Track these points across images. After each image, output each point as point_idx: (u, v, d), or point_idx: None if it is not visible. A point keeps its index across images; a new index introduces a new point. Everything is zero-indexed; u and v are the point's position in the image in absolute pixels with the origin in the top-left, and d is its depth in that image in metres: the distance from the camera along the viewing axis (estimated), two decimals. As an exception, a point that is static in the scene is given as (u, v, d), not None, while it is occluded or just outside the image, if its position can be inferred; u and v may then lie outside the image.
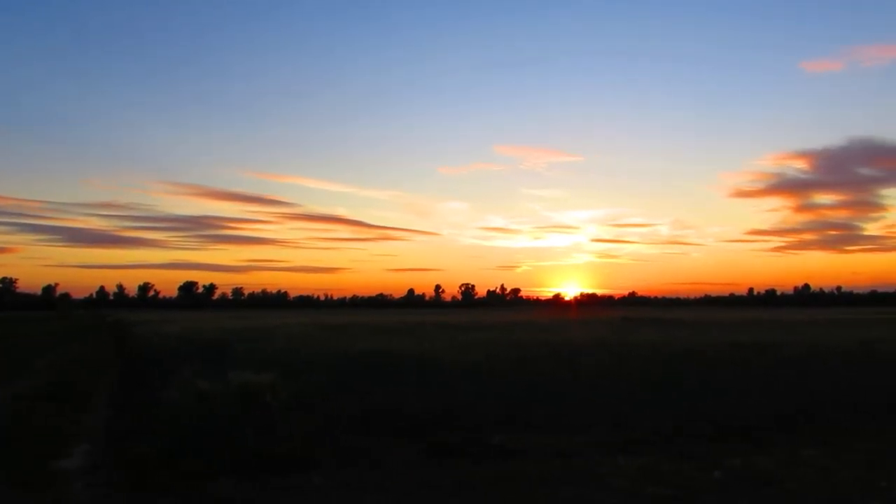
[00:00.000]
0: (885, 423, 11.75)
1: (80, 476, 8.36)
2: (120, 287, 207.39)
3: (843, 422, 11.95)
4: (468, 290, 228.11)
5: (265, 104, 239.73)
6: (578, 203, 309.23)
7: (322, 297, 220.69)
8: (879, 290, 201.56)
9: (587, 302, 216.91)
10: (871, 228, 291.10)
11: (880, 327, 39.86)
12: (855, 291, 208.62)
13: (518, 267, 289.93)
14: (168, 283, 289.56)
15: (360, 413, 12.12)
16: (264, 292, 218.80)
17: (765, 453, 8.94)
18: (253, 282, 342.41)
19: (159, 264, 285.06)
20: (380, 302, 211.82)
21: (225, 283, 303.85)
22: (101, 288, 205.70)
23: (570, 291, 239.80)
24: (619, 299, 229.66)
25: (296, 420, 11.25)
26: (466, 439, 10.45)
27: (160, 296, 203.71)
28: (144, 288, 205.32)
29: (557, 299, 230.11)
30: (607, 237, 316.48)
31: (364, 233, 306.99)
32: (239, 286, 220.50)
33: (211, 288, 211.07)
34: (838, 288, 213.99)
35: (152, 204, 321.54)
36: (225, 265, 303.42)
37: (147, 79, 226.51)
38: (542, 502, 6.81)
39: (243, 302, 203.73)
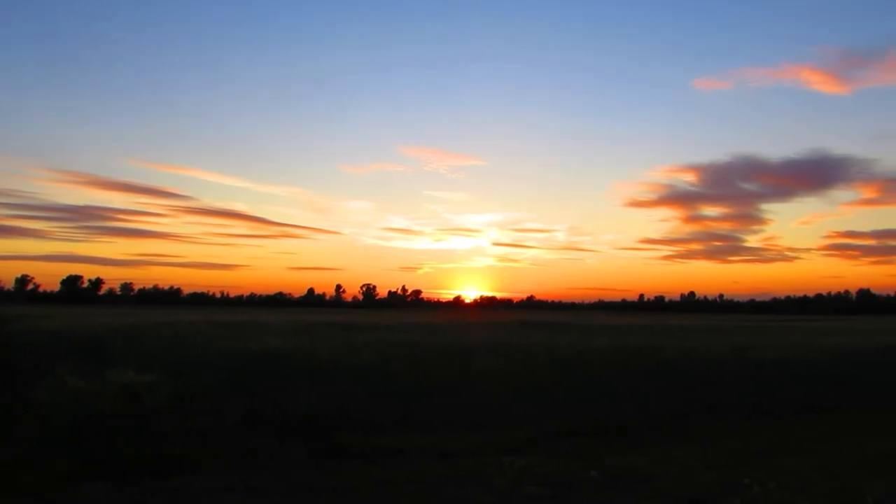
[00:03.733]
0: (751, 422, 12.56)
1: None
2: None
3: (714, 421, 12.70)
4: (369, 290, 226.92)
5: (162, 93, 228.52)
6: (480, 207, 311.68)
7: (218, 295, 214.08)
8: (757, 298, 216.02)
9: (487, 305, 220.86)
10: (752, 240, 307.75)
11: (754, 334, 42.63)
12: (735, 300, 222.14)
13: (420, 268, 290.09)
14: (49, 277, 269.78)
15: (249, 413, 11.83)
16: (156, 288, 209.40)
17: (641, 452, 9.32)
18: (144, 277, 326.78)
19: (39, 256, 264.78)
20: (279, 301, 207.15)
21: (113, 277, 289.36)
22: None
23: (470, 294, 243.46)
24: (517, 303, 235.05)
25: (179, 420, 10.86)
26: (356, 440, 10.41)
27: (40, 289, 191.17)
28: (22, 281, 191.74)
29: (458, 301, 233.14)
30: (507, 241, 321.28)
31: (263, 229, 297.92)
32: (128, 281, 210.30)
33: (97, 282, 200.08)
34: (721, 296, 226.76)
35: (33, 191, 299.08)
36: (113, 259, 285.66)
37: (32, 61, 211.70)
38: (424, 502, 6.85)
39: (132, 298, 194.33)
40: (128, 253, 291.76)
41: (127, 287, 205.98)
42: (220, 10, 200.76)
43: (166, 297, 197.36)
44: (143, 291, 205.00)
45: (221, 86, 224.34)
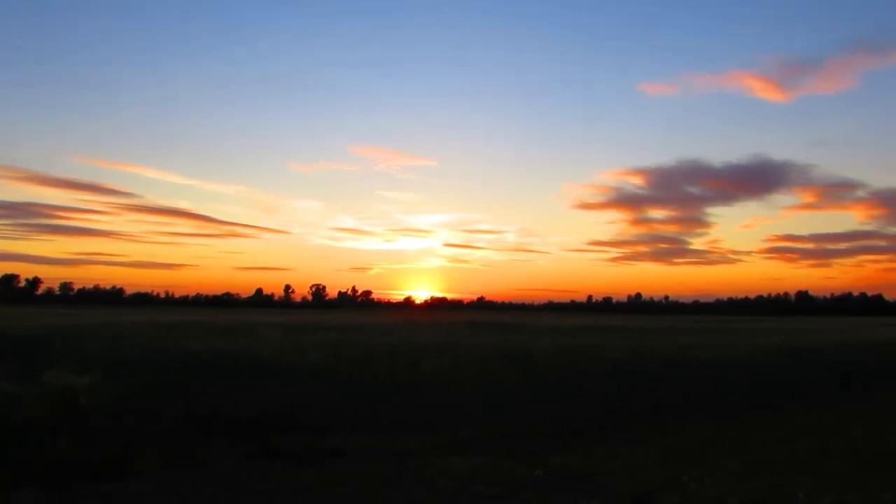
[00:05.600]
0: (694, 420, 12.84)
1: None
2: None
3: (658, 420, 12.94)
4: (319, 290, 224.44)
5: (104, 87, 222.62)
6: (431, 207, 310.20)
7: (162, 295, 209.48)
8: (701, 300, 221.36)
9: (437, 305, 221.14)
10: (697, 243, 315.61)
11: (697, 335, 43.65)
12: (680, 301, 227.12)
13: (370, 269, 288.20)
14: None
15: (190, 415, 11.59)
16: (97, 288, 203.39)
17: (588, 451, 9.42)
18: (84, 276, 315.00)
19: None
20: (226, 301, 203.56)
21: (51, 276, 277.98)
22: None
23: (421, 294, 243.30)
24: (468, 303, 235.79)
25: (117, 423, 10.58)
26: (301, 441, 10.28)
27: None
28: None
29: (409, 302, 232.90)
30: (458, 242, 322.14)
31: (209, 228, 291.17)
32: (68, 281, 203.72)
33: (35, 282, 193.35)
34: (666, 297, 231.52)
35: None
36: (52, 257, 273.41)
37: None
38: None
39: (72, 298, 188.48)
40: (67, 251, 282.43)
41: (66, 286, 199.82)
42: (166, 7, 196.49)
43: (108, 297, 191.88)
44: (83, 291, 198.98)
45: (166, 81, 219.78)
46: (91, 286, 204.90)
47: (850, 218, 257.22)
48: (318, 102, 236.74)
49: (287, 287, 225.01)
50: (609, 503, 6.48)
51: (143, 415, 11.29)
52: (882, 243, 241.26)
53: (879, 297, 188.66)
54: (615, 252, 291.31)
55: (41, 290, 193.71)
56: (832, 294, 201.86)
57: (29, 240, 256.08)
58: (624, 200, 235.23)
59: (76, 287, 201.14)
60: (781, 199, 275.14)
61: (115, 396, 11.82)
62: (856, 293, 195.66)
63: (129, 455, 8.85)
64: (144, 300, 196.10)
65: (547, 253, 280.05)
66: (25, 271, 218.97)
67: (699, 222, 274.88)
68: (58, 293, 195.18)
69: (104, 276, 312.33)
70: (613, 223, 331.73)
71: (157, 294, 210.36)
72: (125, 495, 7.05)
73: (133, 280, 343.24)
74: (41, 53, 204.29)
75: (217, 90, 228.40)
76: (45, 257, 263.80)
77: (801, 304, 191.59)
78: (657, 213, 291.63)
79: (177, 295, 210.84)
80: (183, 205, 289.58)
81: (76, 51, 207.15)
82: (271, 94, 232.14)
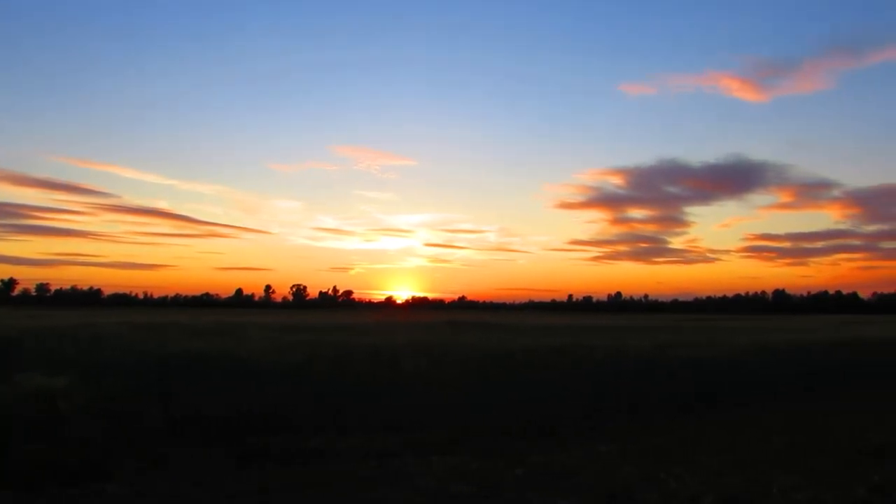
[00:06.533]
0: (673, 420, 12.95)
1: None
2: None
3: (638, 419, 13.04)
4: (299, 290, 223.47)
5: (82, 87, 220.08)
6: (411, 207, 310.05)
7: (140, 296, 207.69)
8: (680, 298, 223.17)
9: (419, 305, 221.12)
10: (676, 242, 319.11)
11: (676, 333, 43.94)
12: (659, 300, 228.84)
13: (351, 269, 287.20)
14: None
15: (169, 418, 11.48)
16: (74, 289, 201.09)
17: (567, 450, 9.45)
18: (61, 277, 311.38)
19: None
20: (205, 301, 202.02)
21: (28, 277, 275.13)
22: None
23: (402, 294, 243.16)
24: (449, 303, 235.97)
25: (94, 425, 10.45)
26: (282, 442, 10.25)
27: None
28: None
29: (390, 302, 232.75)
30: (439, 242, 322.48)
31: (188, 228, 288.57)
32: (44, 282, 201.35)
33: (10, 283, 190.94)
34: (645, 296, 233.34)
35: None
36: (27, 258, 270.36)
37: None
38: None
39: (48, 299, 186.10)
40: (44, 252, 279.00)
41: (43, 287, 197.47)
42: (144, 7, 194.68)
43: (85, 298, 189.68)
44: (60, 292, 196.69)
45: (145, 81, 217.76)
46: (68, 287, 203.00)
47: (826, 217, 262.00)
48: (298, 103, 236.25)
49: (267, 287, 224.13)
50: (589, 501, 6.50)
51: (122, 416, 11.16)
52: (857, 242, 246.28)
53: (854, 296, 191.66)
54: (595, 251, 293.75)
55: (17, 291, 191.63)
56: (808, 292, 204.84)
57: (4, 240, 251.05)
58: (604, 200, 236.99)
59: (53, 288, 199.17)
60: (759, 198, 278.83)
61: (94, 398, 11.69)
62: (831, 291, 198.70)
63: (109, 457, 8.75)
64: (123, 301, 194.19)
65: (527, 252, 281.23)
66: (1, 272, 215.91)
67: (678, 222, 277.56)
68: (34, 294, 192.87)
69: (81, 277, 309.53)
70: (593, 223, 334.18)
71: (136, 295, 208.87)
72: (103, 499, 6.97)
73: (111, 281, 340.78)
74: (18, 53, 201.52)
75: (197, 90, 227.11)
76: (22, 258, 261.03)
77: (778, 303, 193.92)
78: (636, 212, 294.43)
79: (156, 296, 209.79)
80: (162, 205, 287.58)
81: (53, 50, 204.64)
82: (252, 94, 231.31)
